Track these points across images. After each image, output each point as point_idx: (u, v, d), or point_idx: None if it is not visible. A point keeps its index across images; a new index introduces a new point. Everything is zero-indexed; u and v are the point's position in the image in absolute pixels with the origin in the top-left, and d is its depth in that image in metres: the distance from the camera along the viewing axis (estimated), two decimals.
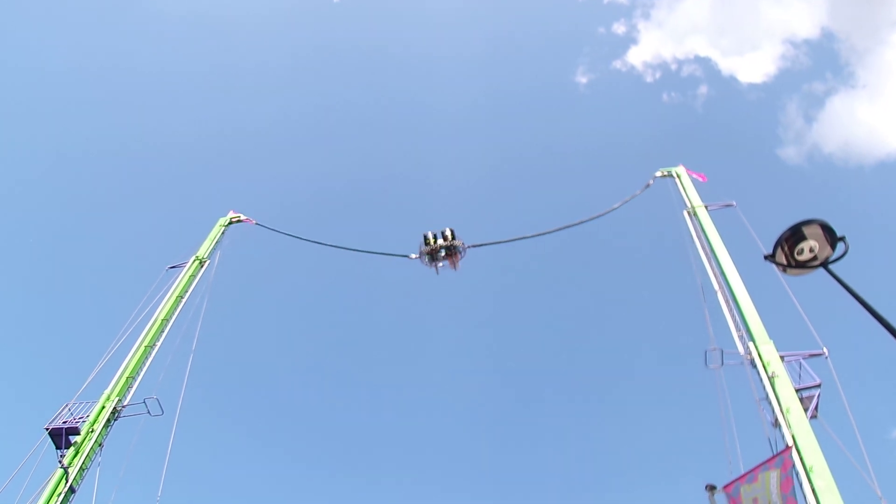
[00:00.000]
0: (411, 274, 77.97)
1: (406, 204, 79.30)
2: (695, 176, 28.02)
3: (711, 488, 15.29)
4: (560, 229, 31.47)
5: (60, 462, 18.81)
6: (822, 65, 74.65)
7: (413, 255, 31.13)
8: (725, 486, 14.84)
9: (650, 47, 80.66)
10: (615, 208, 30.44)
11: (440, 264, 31.20)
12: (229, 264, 31.97)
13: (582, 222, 31.24)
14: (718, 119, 77.92)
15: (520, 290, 76.15)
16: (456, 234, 30.91)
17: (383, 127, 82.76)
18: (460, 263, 31.23)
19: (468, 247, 31.04)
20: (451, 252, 30.99)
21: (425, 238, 31.04)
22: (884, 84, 71.91)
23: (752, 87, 76.12)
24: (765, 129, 75.75)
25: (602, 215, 30.77)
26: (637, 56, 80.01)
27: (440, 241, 30.80)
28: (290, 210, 73.91)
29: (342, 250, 33.92)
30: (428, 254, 30.92)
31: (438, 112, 79.82)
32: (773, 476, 13.42)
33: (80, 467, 19.01)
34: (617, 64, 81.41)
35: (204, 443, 64.88)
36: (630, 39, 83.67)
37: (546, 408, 72.11)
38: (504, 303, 75.92)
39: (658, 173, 29.15)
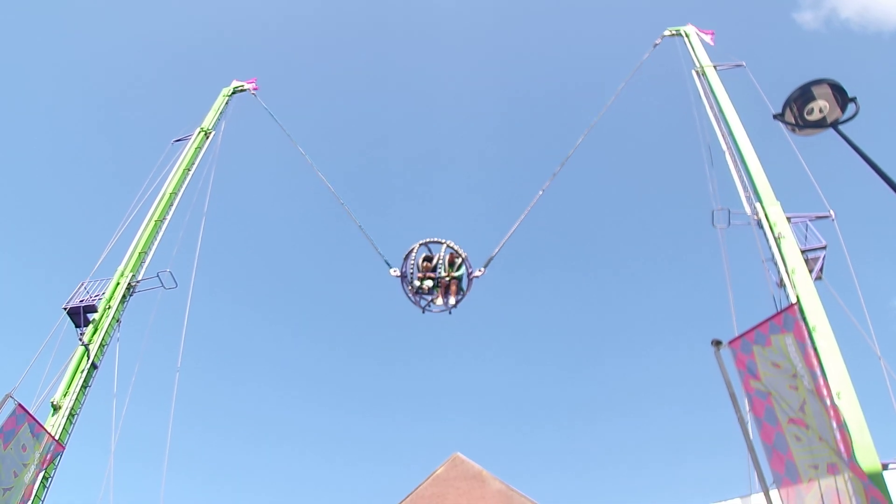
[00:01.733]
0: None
1: (405, 111, 77.75)
2: (703, 34, 27.15)
3: (717, 343, 15.52)
4: (577, 146, 25.55)
5: (81, 340, 19.30)
6: None
7: (394, 272, 20.97)
8: (731, 342, 15.08)
9: None
10: (629, 77, 27.70)
11: (428, 302, 21.12)
12: (235, 134, 31.67)
13: (594, 123, 26.43)
14: None
15: (524, 153, 75.63)
16: (455, 251, 20.94)
17: (384, 26, 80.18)
18: (463, 298, 21.08)
19: (475, 275, 20.93)
20: (452, 286, 21.09)
21: (410, 253, 21.08)
22: None
23: None
24: None
25: (614, 98, 27.05)
26: None
27: (432, 274, 20.92)
28: (291, 82, 72.74)
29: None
30: (412, 289, 21.04)
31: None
32: (789, 341, 13.52)
33: (100, 344, 19.49)
34: None
35: (218, 312, 66.75)
36: None
37: (552, 270, 73.20)
38: (506, 163, 75.57)
39: (666, 32, 28.15)
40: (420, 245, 21.09)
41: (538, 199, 23.19)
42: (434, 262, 21.12)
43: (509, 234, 22.18)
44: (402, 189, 77.16)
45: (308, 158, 27.35)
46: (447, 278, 21.00)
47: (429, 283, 20.87)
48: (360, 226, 23.19)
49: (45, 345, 18.80)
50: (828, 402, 12.20)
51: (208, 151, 27.69)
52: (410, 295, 21.21)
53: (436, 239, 21.04)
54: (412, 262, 21.14)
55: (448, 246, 20.99)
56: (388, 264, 21.35)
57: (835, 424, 11.62)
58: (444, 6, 78.42)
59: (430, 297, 21.17)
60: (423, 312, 21.27)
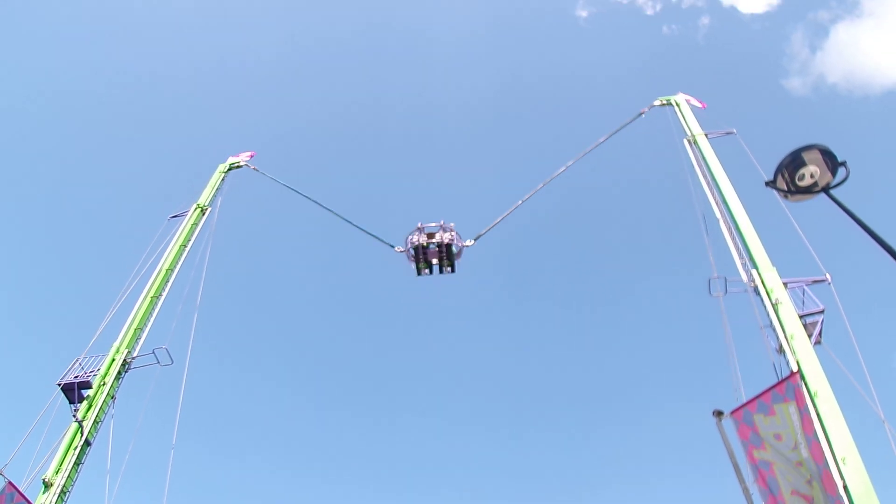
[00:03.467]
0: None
1: (403, 140, 78.95)
2: (694, 102, 27.67)
3: (719, 413, 15.43)
4: (554, 177, 29.81)
5: (74, 416, 19.06)
6: None
7: (398, 249, 26.94)
8: (733, 412, 14.98)
9: None
10: (609, 137, 30.01)
11: (427, 270, 27.03)
12: (231, 210, 31.91)
13: (576, 160, 29.89)
14: (720, 50, 77.07)
15: (521, 223, 76.27)
16: (449, 229, 26.41)
17: (381, 58, 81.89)
18: (456, 265, 27.01)
19: (465, 245, 26.87)
20: (446, 259, 26.64)
21: (412, 236, 26.65)
22: (889, 13, 70.58)
23: (755, 17, 74.67)
24: (769, 59, 74.84)
25: (596, 147, 29.93)
26: None
27: (430, 239, 26.36)
28: (291, 153, 73.70)
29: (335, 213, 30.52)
30: (415, 258, 26.48)
31: (435, 42, 78.75)
32: (792, 410, 13.44)
33: (94, 420, 19.25)
34: None
35: (216, 385, 66.00)
36: None
37: (552, 338, 72.92)
38: (508, 237, 76.07)
39: (657, 102, 28.76)
40: (418, 233, 26.32)
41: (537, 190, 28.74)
42: (434, 237, 26.26)
43: (501, 217, 28.16)
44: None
45: (318, 202, 31.28)
46: (445, 244, 26.17)
47: (432, 245, 26.14)
48: (363, 229, 28.50)
49: (38, 421, 18.65)
50: (825, 472, 12.11)
51: (205, 227, 27.90)
52: (414, 265, 26.61)
53: (430, 229, 26.38)
54: (415, 239, 26.31)
55: (441, 226, 26.30)
56: (391, 245, 27.24)
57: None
58: (437, 113, 79.73)
59: (429, 268, 26.78)
60: (419, 274, 26.91)
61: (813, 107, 71.03)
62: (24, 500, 15.83)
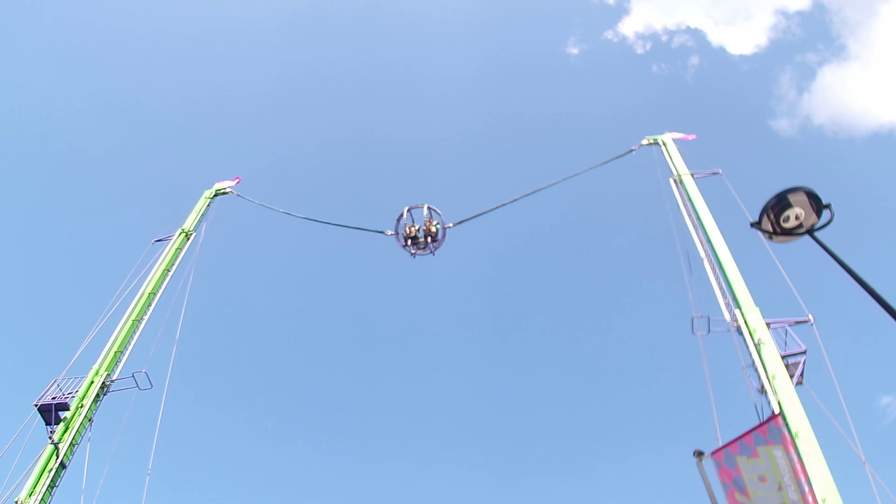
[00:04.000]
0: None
1: (395, 172, 79.18)
2: (682, 137, 28.00)
3: (699, 454, 15.40)
4: (539, 190, 31.39)
5: (50, 438, 18.83)
6: (813, 36, 74.52)
7: (388, 232, 29.20)
8: (714, 453, 14.96)
9: (642, 17, 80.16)
10: (594, 167, 31.19)
11: (416, 250, 29.48)
12: (216, 236, 31.87)
13: (562, 180, 31.47)
14: (709, 90, 77.92)
15: (505, 261, 76.51)
16: (435, 214, 29.12)
17: (372, 93, 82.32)
18: (439, 246, 29.65)
19: (447, 227, 29.38)
20: (430, 236, 29.24)
21: (401, 217, 29.13)
22: (875, 57, 71.95)
23: (744, 58, 75.80)
24: (757, 100, 75.87)
25: (581, 173, 31.31)
26: (629, 26, 79.26)
27: (415, 226, 28.96)
28: (274, 178, 73.71)
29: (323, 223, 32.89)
30: (404, 236, 29.07)
31: (428, 79, 79.29)
32: (778, 454, 13.45)
33: (71, 443, 19.03)
34: (608, 35, 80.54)
35: (193, 416, 65.17)
36: (622, 10, 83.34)
37: (532, 376, 72.74)
38: (489, 276, 76.27)
39: (644, 141, 29.09)
40: (407, 210, 28.63)
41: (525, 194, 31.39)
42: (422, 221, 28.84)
43: (483, 212, 30.58)
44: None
45: (304, 216, 32.93)
46: (429, 229, 28.84)
47: (416, 227, 28.57)
48: (352, 226, 31.05)
49: (12, 441, 18.40)
50: None
51: (189, 252, 27.85)
52: (402, 246, 29.06)
53: (417, 204, 28.83)
54: (403, 221, 28.69)
55: (429, 208, 28.78)
56: (382, 232, 29.40)
57: None
58: (426, 147, 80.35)
59: (416, 248, 29.12)
60: (413, 257, 29.39)
61: (800, 148, 72.03)
62: None
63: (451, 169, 78.60)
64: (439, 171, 78.15)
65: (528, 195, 31.13)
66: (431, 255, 29.68)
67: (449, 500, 65.02)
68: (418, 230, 29.01)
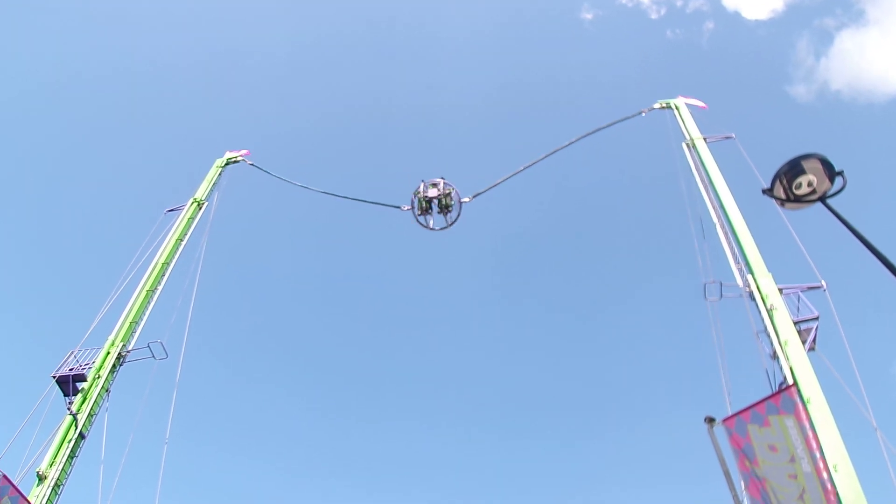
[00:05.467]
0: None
1: (407, 139, 78.93)
2: (694, 103, 27.68)
3: (710, 420, 15.44)
4: (550, 154, 31.09)
5: (69, 409, 19.06)
6: (831, 1, 73.09)
7: (405, 207, 29.25)
8: (725, 420, 14.98)
9: None
10: (603, 127, 30.86)
11: (432, 221, 29.50)
12: (228, 205, 31.94)
13: (572, 143, 31.02)
14: (724, 55, 76.63)
15: (517, 229, 76.37)
16: (449, 185, 29.00)
17: (385, 59, 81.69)
18: (456, 220, 29.45)
19: (463, 201, 29.26)
20: (445, 207, 29.25)
21: (417, 192, 29.17)
22: (894, 22, 70.43)
23: (760, 23, 74.25)
24: (773, 65, 74.40)
25: (592, 133, 30.94)
26: None
27: (432, 192, 28.85)
28: (287, 148, 73.62)
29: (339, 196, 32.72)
30: (420, 207, 29.14)
31: (441, 45, 78.67)
32: (790, 424, 13.41)
33: (89, 413, 19.28)
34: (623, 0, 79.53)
35: (209, 384, 65.92)
36: None
37: (544, 342, 72.97)
38: (500, 245, 76.19)
39: (657, 105, 28.78)
40: (423, 184, 28.76)
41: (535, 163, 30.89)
42: (437, 191, 28.72)
43: (500, 181, 30.38)
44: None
45: (317, 189, 32.95)
46: (443, 202, 28.87)
47: (434, 192, 28.47)
48: (367, 200, 31.24)
49: (32, 413, 18.63)
50: (828, 486, 12.10)
51: (201, 221, 27.90)
52: (418, 220, 29.20)
53: (433, 179, 28.91)
54: (420, 195, 28.74)
55: (445, 183, 28.77)
56: (398, 207, 29.48)
57: None
58: (440, 113, 79.71)
59: (431, 221, 29.26)
60: (430, 229, 29.23)
61: (817, 113, 71.00)
62: (17, 493, 15.80)
63: (465, 135, 78.32)
64: (452, 137, 77.89)
65: (540, 160, 30.80)
66: (448, 227, 29.53)
67: (457, 461, 65.78)
68: (435, 197, 28.88)
